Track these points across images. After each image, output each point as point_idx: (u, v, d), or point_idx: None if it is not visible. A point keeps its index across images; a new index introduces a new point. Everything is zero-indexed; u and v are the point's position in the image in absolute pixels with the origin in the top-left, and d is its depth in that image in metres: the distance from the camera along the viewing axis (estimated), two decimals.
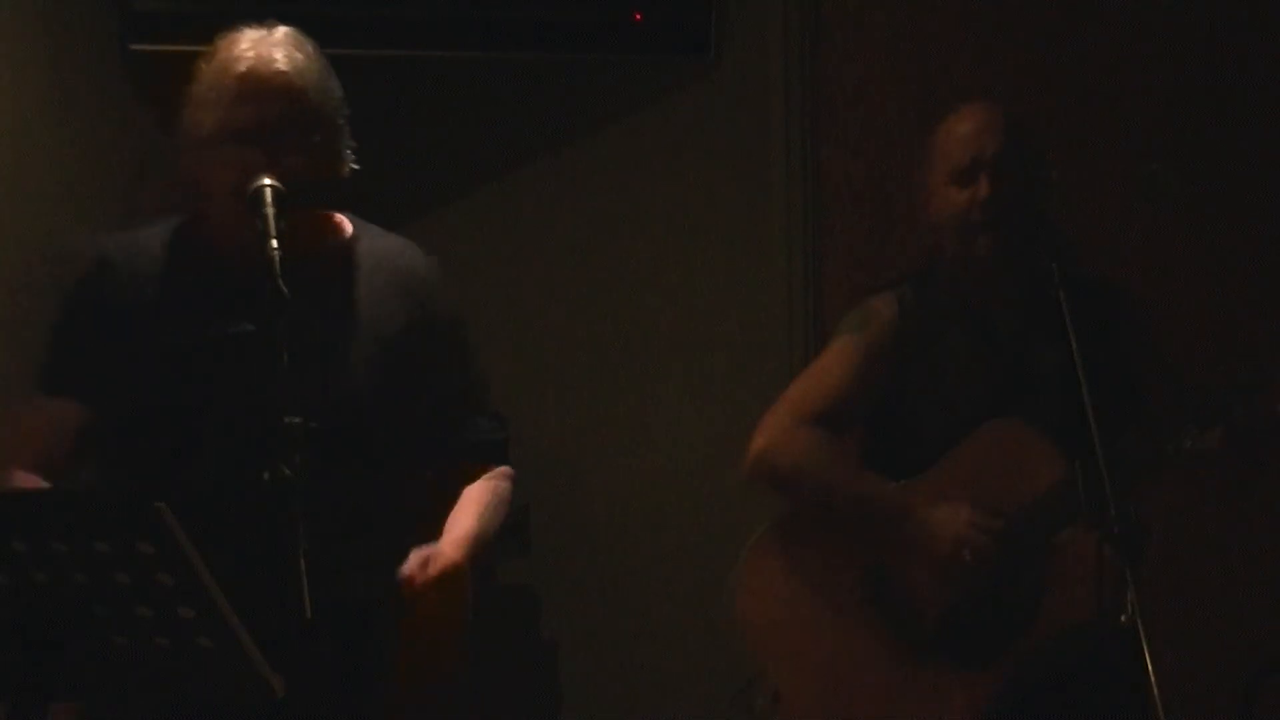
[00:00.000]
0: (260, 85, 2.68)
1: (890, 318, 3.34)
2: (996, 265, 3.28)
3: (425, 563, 2.64)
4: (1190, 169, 4.39)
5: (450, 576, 2.65)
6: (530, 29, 4.39)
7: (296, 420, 2.34)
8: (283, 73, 2.68)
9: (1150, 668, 2.70)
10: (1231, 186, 4.47)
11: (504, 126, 4.69)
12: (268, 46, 2.71)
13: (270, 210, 2.55)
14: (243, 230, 2.57)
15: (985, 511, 3.19)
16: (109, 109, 4.16)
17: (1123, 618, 2.74)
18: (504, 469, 2.89)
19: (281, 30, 2.75)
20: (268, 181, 2.58)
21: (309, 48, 2.75)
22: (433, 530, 2.78)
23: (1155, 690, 2.71)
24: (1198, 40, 4.50)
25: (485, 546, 2.76)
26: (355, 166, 2.78)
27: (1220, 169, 4.46)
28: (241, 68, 2.69)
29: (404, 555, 2.71)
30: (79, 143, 4.03)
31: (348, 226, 2.86)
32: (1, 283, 3.75)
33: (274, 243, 2.51)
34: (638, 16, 4.39)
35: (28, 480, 2.61)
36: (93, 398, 2.73)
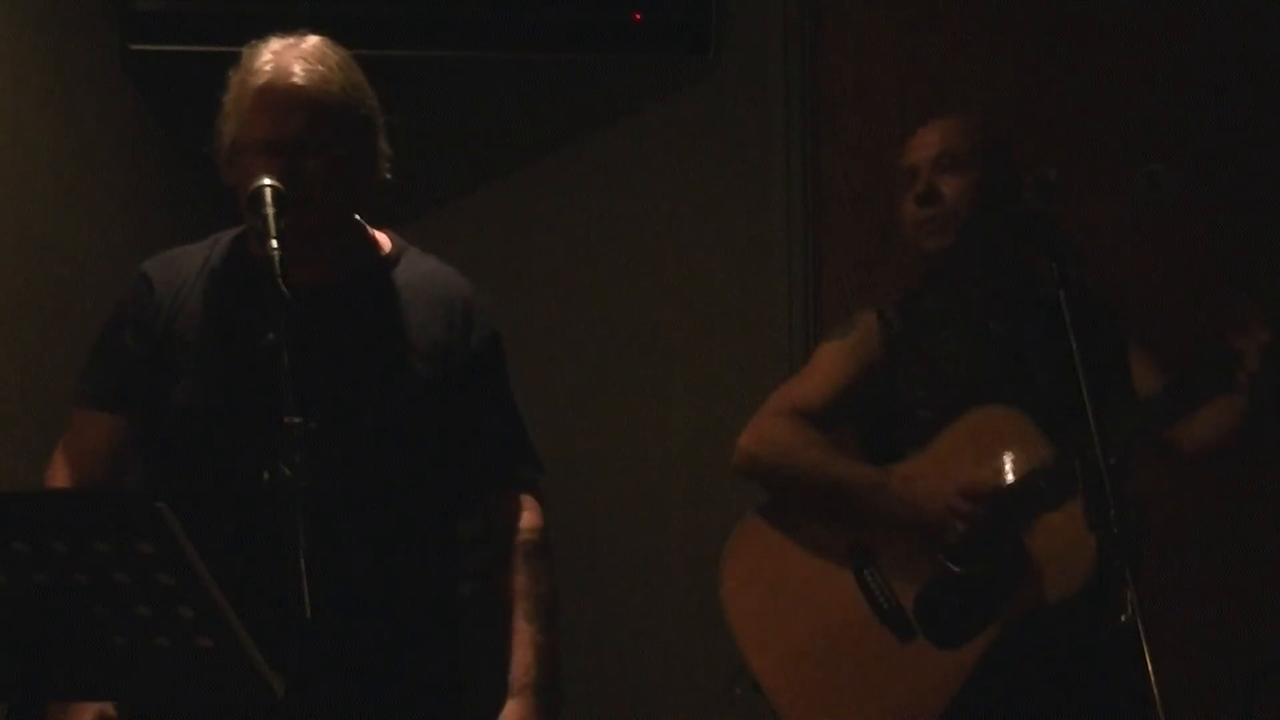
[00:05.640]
0: (276, 99, 2.68)
1: (870, 323, 3.41)
2: (959, 251, 3.31)
3: None
4: (1190, 169, 4.39)
5: None
6: (530, 29, 4.39)
7: (297, 420, 2.34)
8: (299, 87, 2.68)
9: (1150, 668, 2.70)
10: (1232, 188, 4.47)
11: (504, 126, 4.69)
12: (289, 59, 2.71)
13: (270, 210, 2.56)
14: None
15: (971, 483, 3.20)
16: (109, 109, 4.16)
17: (1123, 617, 2.74)
18: (533, 503, 2.89)
19: (310, 40, 2.75)
20: (267, 182, 2.59)
21: (334, 59, 2.74)
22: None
23: (1155, 690, 2.71)
24: (1198, 40, 4.50)
25: (553, 679, 2.79)
26: (389, 176, 2.80)
27: (1220, 169, 4.46)
28: (259, 81, 2.70)
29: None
30: (79, 143, 4.03)
31: (388, 244, 2.87)
32: (1, 283, 3.75)
33: (274, 243, 2.51)
34: (637, 16, 4.39)
35: None
36: (129, 409, 2.79)
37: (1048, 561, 3.16)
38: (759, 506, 3.39)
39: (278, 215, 2.55)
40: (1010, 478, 3.22)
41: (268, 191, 2.57)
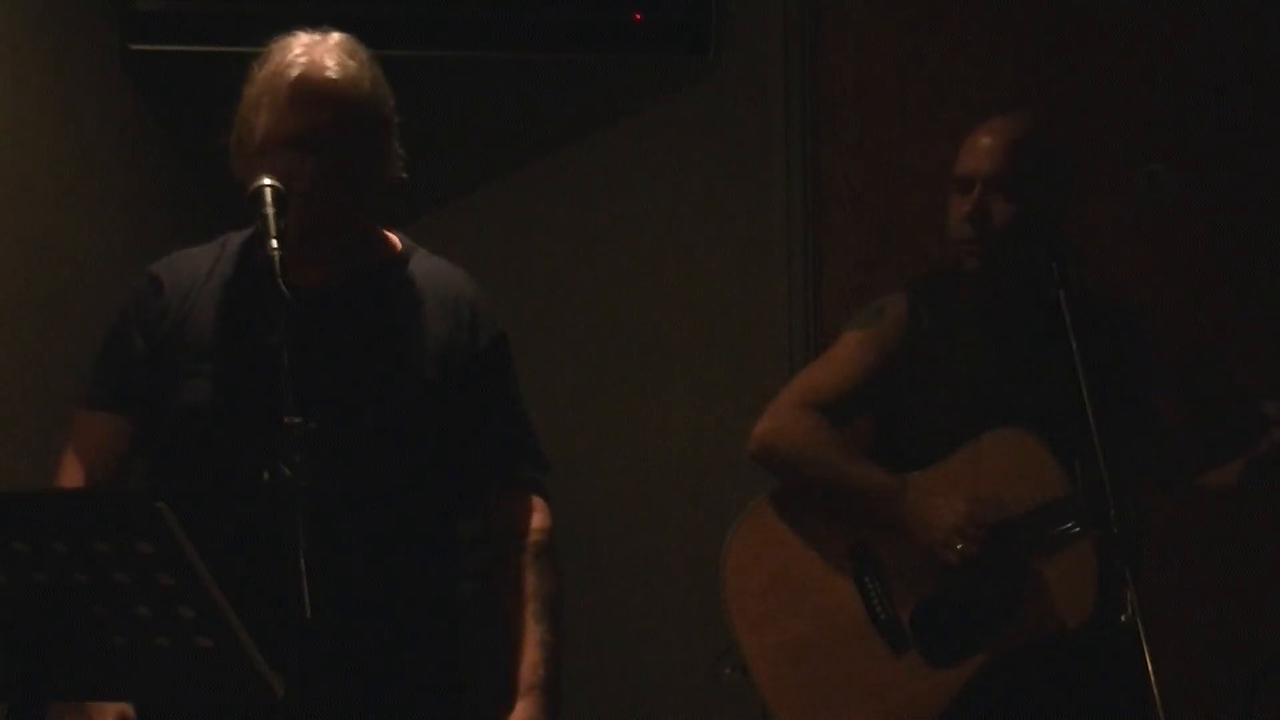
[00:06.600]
0: (311, 92, 2.68)
1: (899, 316, 3.37)
2: (997, 273, 3.29)
3: None
4: (1190, 169, 4.38)
5: None
6: (530, 29, 4.39)
7: (297, 420, 2.34)
8: (334, 80, 2.69)
9: (1150, 668, 2.71)
10: (1232, 188, 4.47)
11: (504, 126, 4.69)
12: (321, 53, 2.71)
13: (270, 210, 2.55)
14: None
15: (982, 507, 3.20)
16: (109, 109, 4.16)
17: (1123, 617, 2.75)
18: (540, 503, 2.88)
19: (336, 36, 2.76)
20: (267, 181, 2.59)
21: (362, 55, 2.75)
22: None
23: (1155, 690, 2.71)
24: (1198, 40, 4.50)
25: (559, 679, 2.78)
26: (404, 175, 2.79)
27: (1220, 169, 4.46)
28: (293, 74, 2.69)
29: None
30: (79, 143, 4.03)
31: (397, 244, 2.87)
32: (1, 283, 3.75)
33: (274, 243, 2.51)
34: (637, 16, 4.39)
35: None
36: (134, 409, 2.79)
37: (1051, 594, 3.15)
38: (770, 492, 3.39)
39: (278, 215, 2.55)
40: (1021, 506, 3.21)
41: (268, 191, 2.57)
